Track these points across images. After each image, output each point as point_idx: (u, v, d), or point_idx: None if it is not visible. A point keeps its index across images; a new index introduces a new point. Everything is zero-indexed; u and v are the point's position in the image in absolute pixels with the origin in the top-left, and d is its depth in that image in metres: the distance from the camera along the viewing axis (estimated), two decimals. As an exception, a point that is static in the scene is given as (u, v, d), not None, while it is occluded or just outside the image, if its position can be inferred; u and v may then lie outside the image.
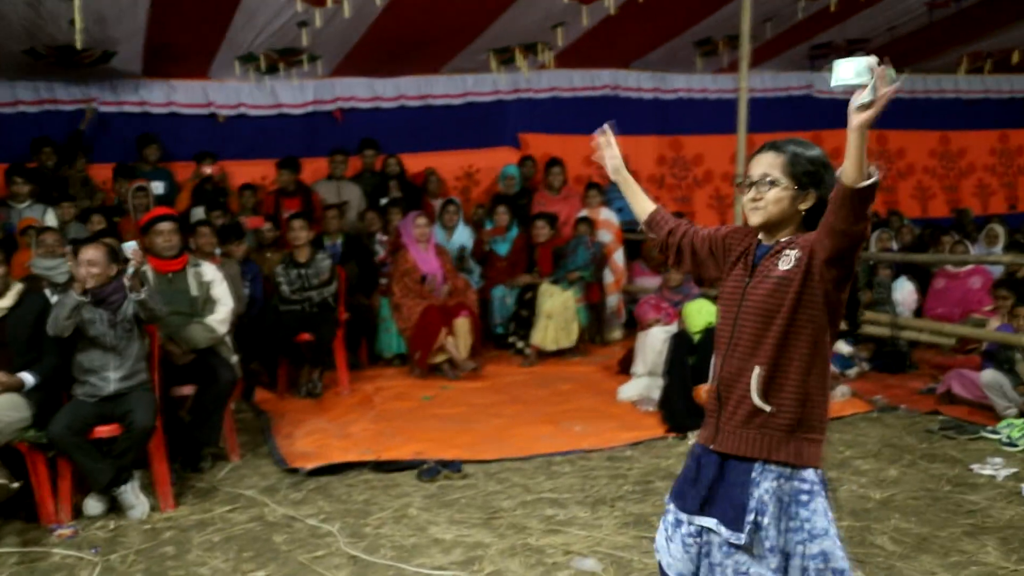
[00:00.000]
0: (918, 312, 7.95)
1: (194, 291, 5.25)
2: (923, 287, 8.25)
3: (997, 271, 8.13)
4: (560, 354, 7.77)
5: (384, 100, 9.42)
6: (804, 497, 2.25)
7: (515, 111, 9.92)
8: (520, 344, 7.86)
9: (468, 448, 5.31)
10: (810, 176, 2.30)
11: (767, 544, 2.23)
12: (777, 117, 10.67)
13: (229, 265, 6.53)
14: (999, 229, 9.37)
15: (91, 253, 4.48)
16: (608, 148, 2.76)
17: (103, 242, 4.69)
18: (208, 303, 5.27)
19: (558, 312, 7.66)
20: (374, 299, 7.72)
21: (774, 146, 2.33)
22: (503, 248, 8.34)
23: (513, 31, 8.32)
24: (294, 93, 9.06)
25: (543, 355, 7.71)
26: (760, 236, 2.40)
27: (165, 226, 5.21)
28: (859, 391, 6.35)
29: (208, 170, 8.13)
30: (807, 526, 2.23)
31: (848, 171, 2.02)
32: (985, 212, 11.74)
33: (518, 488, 4.66)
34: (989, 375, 5.54)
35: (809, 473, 2.26)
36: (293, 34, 7.67)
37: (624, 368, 6.98)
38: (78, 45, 6.51)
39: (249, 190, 8.26)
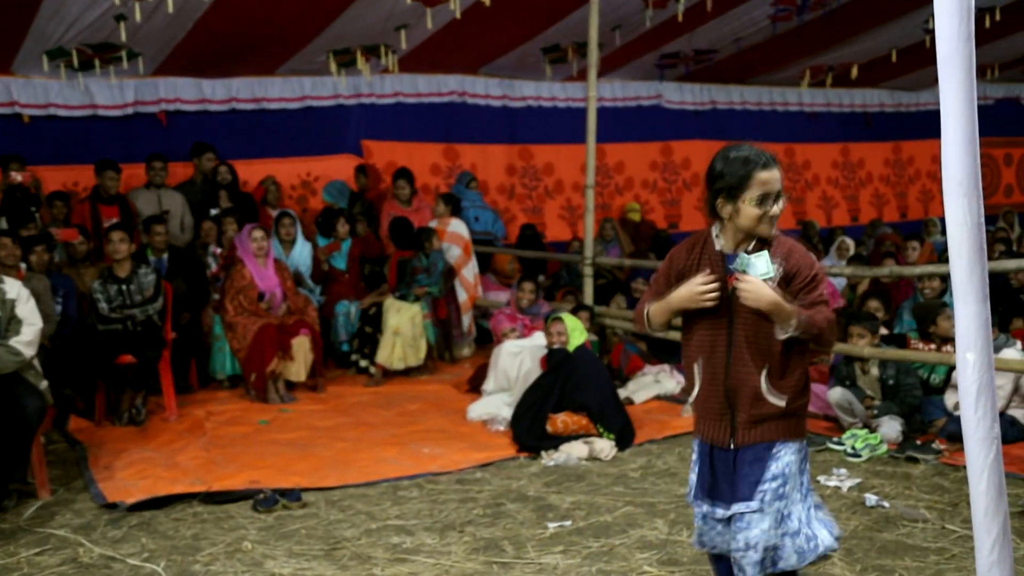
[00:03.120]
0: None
1: (-5, 310, 4.95)
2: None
3: (839, 283, 8.65)
4: (407, 372, 7.75)
5: (213, 103, 9.17)
6: (805, 464, 2.84)
7: (357, 117, 9.85)
8: (364, 362, 7.79)
9: (308, 475, 5.22)
10: None
11: (786, 510, 2.74)
12: (627, 127, 11.05)
13: (37, 280, 6.19)
14: (850, 242, 10.00)
15: None
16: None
17: None
18: (12, 323, 4.96)
19: (405, 328, 7.64)
20: (205, 316, 7.48)
21: (776, 161, 2.76)
22: (342, 262, 8.24)
23: (354, 32, 8.27)
24: (111, 93, 8.67)
25: (389, 374, 7.67)
26: (722, 246, 2.80)
27: (-41, 238, 4.89)
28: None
29: (19, 178, 7.66)
30: (805, 484, 2.83)
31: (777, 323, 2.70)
32: (829, 224, 12.49)
33: (362, 516, 4.61)
34: (837, 394, 5.86)
35: (804, 443, 2.86)
36: (109, 28, 7.36)
37: (474, 386, 7.03)
38: None
39: (60, 199, 7.83)
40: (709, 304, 2.71)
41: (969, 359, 2.11)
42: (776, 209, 2.72)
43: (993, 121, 12.27)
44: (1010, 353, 5.62)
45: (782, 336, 2.67)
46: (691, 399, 2.90)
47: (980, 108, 2.01)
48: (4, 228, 6.94)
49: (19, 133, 8.37)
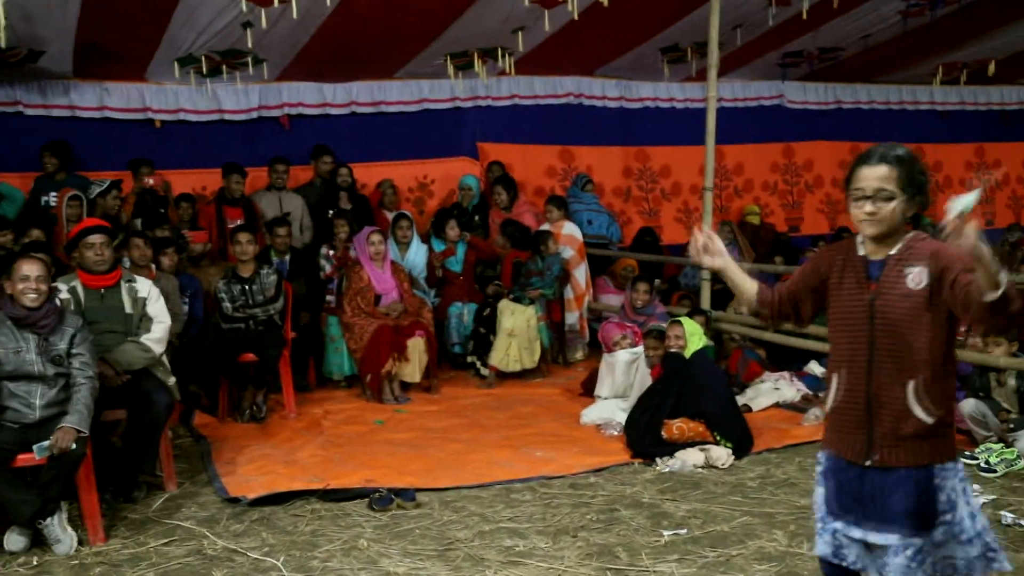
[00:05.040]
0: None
1: (128, 308, 5.18)
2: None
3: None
4: (520, 375, 7.79)
5: (334, 106, 9.40)
6: (967, 481, 2.65)
7: (473, 119, 9.95)
8: (478, 364, 7.85)
9: (422, 475, 5.30)
10: (918, 187, 2.58)
11: (964, 536, 2.57)
12: (747, 127, 10.84)
13: (166, 280, 6.47)
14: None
15: (33, 268, 4.40)
16: (709, 249, 2.84)
17: (41, 257, 4.62)
18: (143, 321, 5.19)
19: (520, 330, 7.67)
20: (322, 317, 7.67)
21: (885, 159, 2.56)
22: (457, 265, 8.34)
23: (471, 35, 8.36)
24: (237, 98, 8.99)
25: (502, 376, 7.72)
26: (863, 250, 2.66)
27: (96, 238, 5.12)
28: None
29: (150, 181, 8.03)
30: (974, 503, 2.63)
31: (980, 282, 2.30)
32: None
33: (475, 517, 4.66)
34: (971, 405, 5.62)
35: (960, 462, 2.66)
36: (237, 35, 7.63)
37: (588, 390, 7.01)
38: (2, 43, 6.42)
39: (187, 201, 8.16)
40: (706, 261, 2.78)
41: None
42: (871, 207, 2.54)
43: None
44: None
45: (991, 297, 2.28)
46: (827, 408, 2.75)
47: None
48: (138, 229, 7.27)
49: (151, 138, 8.77)
